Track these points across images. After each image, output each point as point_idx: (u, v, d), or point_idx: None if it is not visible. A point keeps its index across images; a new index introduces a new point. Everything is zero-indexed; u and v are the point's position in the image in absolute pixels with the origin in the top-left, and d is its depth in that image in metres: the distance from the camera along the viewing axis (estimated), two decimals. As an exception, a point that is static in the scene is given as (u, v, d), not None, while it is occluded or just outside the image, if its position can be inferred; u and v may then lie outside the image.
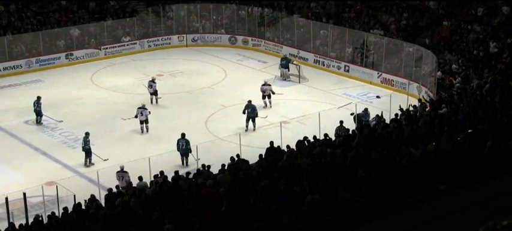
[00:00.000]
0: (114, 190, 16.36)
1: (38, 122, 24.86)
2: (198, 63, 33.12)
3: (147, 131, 23.97)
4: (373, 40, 30.81)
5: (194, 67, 32.40)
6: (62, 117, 25.47)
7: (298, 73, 29.70)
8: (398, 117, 19.79)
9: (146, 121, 23.88)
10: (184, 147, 21.04)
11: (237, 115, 25.27)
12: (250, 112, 23.54)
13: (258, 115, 23.73)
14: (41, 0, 35.05)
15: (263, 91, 26.31)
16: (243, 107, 23.83)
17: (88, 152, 21.32)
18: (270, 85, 26.78)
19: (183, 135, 21.18)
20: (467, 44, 27.59)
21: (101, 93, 28.53)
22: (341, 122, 20.83)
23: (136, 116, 23.84)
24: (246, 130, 23.43)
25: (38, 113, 24.83)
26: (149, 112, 23.99)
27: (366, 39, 30.65)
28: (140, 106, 24.11)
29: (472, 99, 19.31)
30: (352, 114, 22.65)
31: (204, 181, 14.95)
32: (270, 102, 26.31)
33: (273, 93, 26.45)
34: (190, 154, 20.95)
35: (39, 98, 24.95)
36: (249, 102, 23.78)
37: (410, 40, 29.71)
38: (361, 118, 22.07)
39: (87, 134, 21.46)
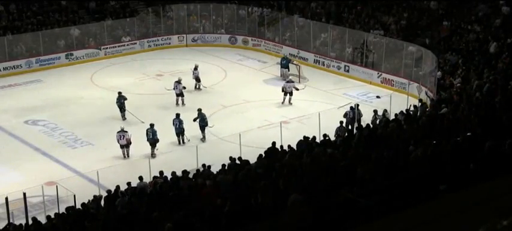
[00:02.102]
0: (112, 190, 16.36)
1: (123, 118, 24.91)
2: (198, 63, 33.07)
3: (183, 104, 26.30)
4: (373, 40, 30.81)
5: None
6: (62, 117, 25.49)
7: (298, 73, 29.71)
8: (398, 117, 19.81)
9: (181, 95, 26.42)
10: (178, 126, 22.47)
11: (237, 115, 25.33)
12: (200, 121, 22.94)
13: (208, 124, 23.00)
14: (41, 0, 35.06)
15: (286, 88, 26.38)
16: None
17: (154, 144, 21.87)
18: (293, 82, 26.93)
19: (177, 115, 22.69)
20: (467, 44, 27.60)
21: (101, 93, 28.52)
22: (341, 122, 20.87)
23: (173, 89, 26.47)
24: (203, 140, 22.86)
25: (120, 108, 25.04)
26: (184, 87, 26.57)
27: (366, 39, 30.65)
28: (177, 80, 26.65)
29: (472, 99, 19.30)
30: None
31: (204, 181, 14.95)
32: (290, 99, 26.42)
33: (297, 90, 26.57)
34: (185, 135, 22.53)
35: (119, 93, 25.18)
36: (199, 110, 23.15)
37: (411, 40, 29.71)
38: (354, 115, 22.18)
39: (151, 125, 21.92)
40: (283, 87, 26.66)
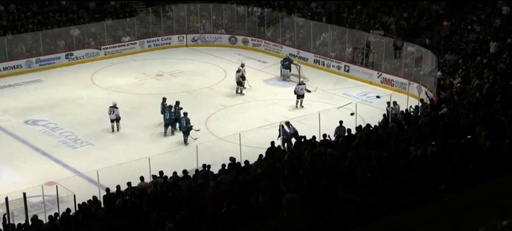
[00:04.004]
0: (112, 190, 16.35)
1: (173, 132, 23.58)
2: (198, 63, 33.12)
3: (241, 93, 27.96)
4: (373, 40, 30.82)
5: (194, 67, 32.40)
6: (62, 117, 25.48)
7: (298, 73, 29.71)
8: (398, 117, 19.82)
9: (240, 84, 27.90)
10: (169, 117, 23.29)
11: (237, 115, 25.30)
12: (184, 124, 22.83)
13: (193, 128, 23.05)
14: (41, 0, 35.06)
15: (298, 91, 26.06)
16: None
17: (187, 132, 22.65)
18: (305, 84, 26.67)
19: (177, 103, 23.50)
20: (467, 44, 27.60)
21: (101, 93, 28.52)
22: (341, 122, 20.85)
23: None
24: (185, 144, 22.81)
25: (177, 120, 23.51)
26: (243, 76, 28.09)
27: (366, 39, 30.65)
28: (239, 67, 28.42)
29: (472, 99, 19.30)
30: (352, 114, 22.64)
31: (205, 182, 14.94)
32: (302, 102, 26.02)
33: (309, 92, 26.39)
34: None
35: (178, 103, 23.65)
36: (185, 113, 23.12)
37: (411, 40, 29.72)
38: (285, 131, 21.15)
39: (185, 114, 22.79)
40: (295, 89, 26.32)
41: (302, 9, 35.60)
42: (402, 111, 21.16)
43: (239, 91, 27.99)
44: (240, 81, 27.92)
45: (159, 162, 19.06)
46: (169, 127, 23.32)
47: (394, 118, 20.37)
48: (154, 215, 12.98)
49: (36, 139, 23.47)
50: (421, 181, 11.60)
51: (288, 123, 21.37)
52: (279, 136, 20.93)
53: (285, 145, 20.54)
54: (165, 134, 23.27)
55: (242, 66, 29.01)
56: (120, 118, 23.81)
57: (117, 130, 23.85)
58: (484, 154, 12.32)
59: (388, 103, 22.90)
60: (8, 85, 29.77)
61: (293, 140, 20.51)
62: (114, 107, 23.78)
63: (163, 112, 23.89)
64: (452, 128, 15.74)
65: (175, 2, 37.24)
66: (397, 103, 22.51)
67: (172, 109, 23.36)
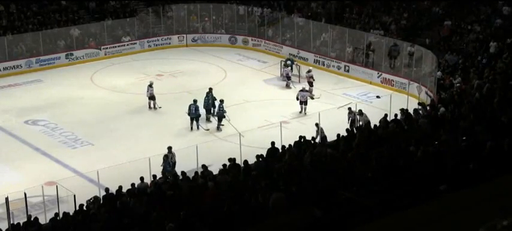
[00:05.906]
0: (111, 190, 16.34)
1: (208, 119, 24.61)
2: (198, 63, 33.12)
3: (290, 86, 28.73)
4: (373, 40, 30.82)
5: (194, 67, 32.40)
6: (62, 117, 25.47)
7: (298, 73, 29.73)
8: (398, 117, 19.81)
9: (311, 84, 27.98)
10: (194, 111, 23.87)
11: (237, 115, 25.26)
12: (219, 110, 24.08)
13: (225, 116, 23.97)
14: (41, 0, 35.06)
15: (301, 97, 25.53)
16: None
17: (221, 118, 23.83)
18: (307, 90, 26.28)
19: (194, 101, 24.00)
20: (467, 44, 27.60)
21: (101, 93, 28.52)
22: (316, 124, 20.81)
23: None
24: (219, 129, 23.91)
25: (208, 110, 24.73)
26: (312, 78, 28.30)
27: (366, 39, 30.64)
28: (307, 70, 29.06)
29: (472, 99, 19.30)
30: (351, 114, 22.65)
31: (204, 182, 14.94)
32: (306, 109, 25.43)
33: (312, 98, 26.18)
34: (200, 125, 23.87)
35: (210, 90, 25.02)
36: (221, 101, 24.20)
37: (411, 40, 29.71)
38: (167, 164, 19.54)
39: (221, 101, 23.95)
40: (297, 95, 25.84)
41: (302, 9, 35.59)
42: (366, 123, 20.33)
43: (289, 85, 28.73)
44: (311, 82, 28.00)
45: (159, 162, 19.07)
46: (194, 120, 23.99)
47: (361, 124, 20.23)
48: (155, 215, 12.98)
49: (36, 139, 23.46)
50: (421, 181, 11.61)
51: (169, 148, 19.71)
52: (162, 164, 19.56)
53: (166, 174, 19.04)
54: (192, 129, 23.89)
55: (286, 65, 29.64)
56: (154, 96, 25.60)
57: (154, 107, 25.75)
58: (485, 153, 12.34)
59: (350, 109, 22.62)
60: (8, 85, 29.77)
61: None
62: (149, 86, 25.78)
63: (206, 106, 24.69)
64: (452, 128, 15.74)
65: (175, 2, 37.24)
66: (363, 112, 21.91)
67: (205, 97, 24.41)
